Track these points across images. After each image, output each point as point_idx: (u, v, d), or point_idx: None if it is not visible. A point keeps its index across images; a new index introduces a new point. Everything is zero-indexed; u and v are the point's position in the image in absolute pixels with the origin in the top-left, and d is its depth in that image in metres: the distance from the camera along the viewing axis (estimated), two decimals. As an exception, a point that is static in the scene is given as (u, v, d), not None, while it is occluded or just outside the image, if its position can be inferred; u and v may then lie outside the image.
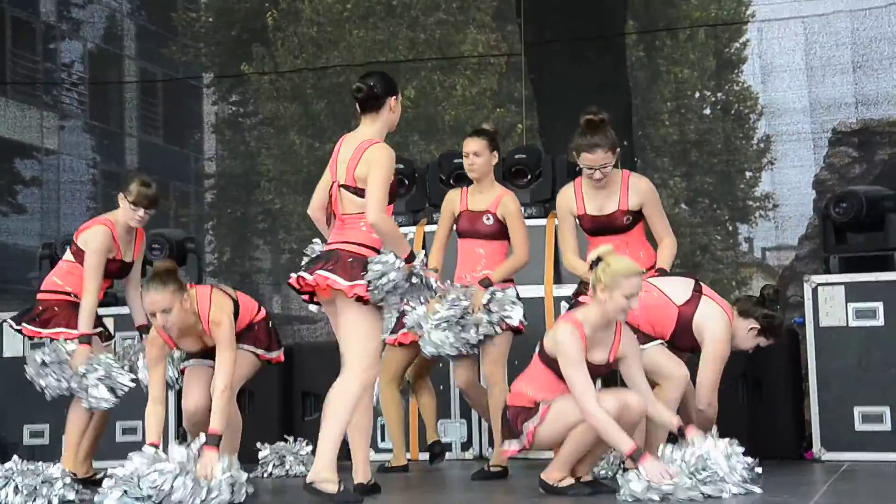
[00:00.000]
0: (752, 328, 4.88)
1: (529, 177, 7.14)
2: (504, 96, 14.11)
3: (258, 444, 6.10)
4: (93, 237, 5.48)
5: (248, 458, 5.94)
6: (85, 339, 5.39)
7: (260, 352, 5.18)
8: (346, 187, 4.46)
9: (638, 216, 5.22)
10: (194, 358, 5.13)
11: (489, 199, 5.55)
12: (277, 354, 5.26)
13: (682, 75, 16.83)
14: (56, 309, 5.49)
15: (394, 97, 4.59)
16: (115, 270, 5.62)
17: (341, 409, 4.33)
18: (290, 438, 6.18)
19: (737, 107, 16.61)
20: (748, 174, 14.48)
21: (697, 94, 17.80)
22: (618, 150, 5.20)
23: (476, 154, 5.50)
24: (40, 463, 4.87)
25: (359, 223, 4.43)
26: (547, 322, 6.47)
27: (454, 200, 5.65)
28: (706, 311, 4.80)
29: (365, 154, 4.42)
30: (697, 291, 4.86)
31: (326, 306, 4.57)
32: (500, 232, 5.54)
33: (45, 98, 14.80)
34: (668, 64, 16.64)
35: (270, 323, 5.29)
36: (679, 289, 4.86)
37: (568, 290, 6.55)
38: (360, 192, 4.42)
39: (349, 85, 14.03)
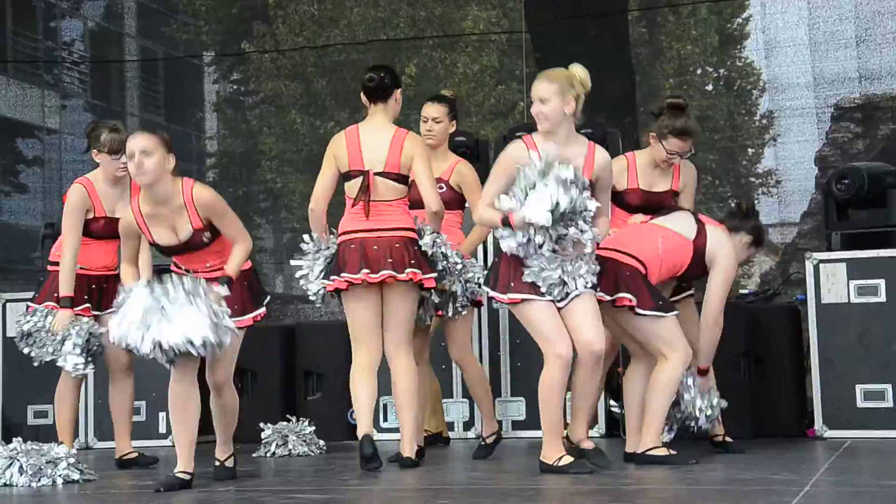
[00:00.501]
0: (744, 241, 5.05)
1: (530, 155, 7.10)
2: (505, 74, 14.05)
3: (261, 424, 6.12)
4: (67, 197, 5.41)
5: (250, 439, 5.98)
6: (66, 303, 5.23)
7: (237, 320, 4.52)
8: (387, 174, 4.80)
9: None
10: (169, 252, 4.56)
11: (443, 167, 5.46)
12: (258, 312, 4.61)
13: (684, 51, 16.77)
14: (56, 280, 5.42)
15: (399, 89, 5.00)
16: (102, 229, 5.41)
17: (414, 391, 4.94)
18: (293, 418, 6.20)
19: (739, 83, 16.55)
20: (750, 151, 14.44)
21: (700, 71, 17.73)
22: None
23: (435, 120, 5.43)
24: (45, 444, 4.89)
25: (400, 209, 4.85)
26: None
27: None
28: (715, 237, 4.91)
29: (406, 143, 4.85)
30: (699, 222, 4.95)
31: (356, 292, 4.80)
32: (455, 201, 5.44)
33: (46, 77, 14.76)
34: (669, 40, 16.57)
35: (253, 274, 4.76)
36: (686, 224, 4.95)
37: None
38: (401, 179, 4.84)
39: (350, 63, 13.98)
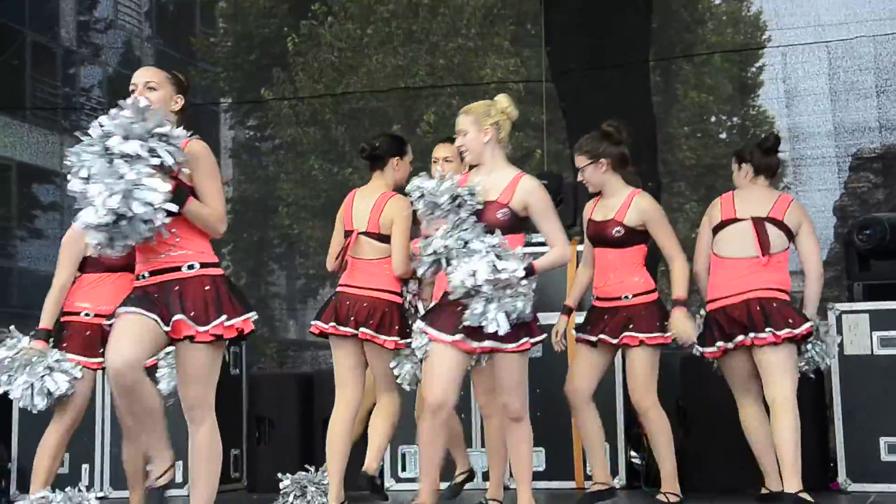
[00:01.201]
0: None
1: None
2: (522, 121, 14.13)
3: (278, 475, 6.05)
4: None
5: (268, 488, 5.91)
6: (40, 335, 4.89)
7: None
8: (369, 234, 4.94)
9: (635, 236, 5.08)
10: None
11: None
12: (236, 322, 3.82)
13: (698, 100, 16.82)
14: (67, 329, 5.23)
15: (397, 157, 5.05)
16: (116, 259, 4.82)
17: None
18: (311, 468, 6.13)
19: (753, 131, 16.60)
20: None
21: (714, 119, 17.80)
22: (601, 160, 5.12)
23: (447, 160, 5.27)
24: (74, 489, 4.84)
25: (379, 268, 4.93)
26: (569, 350, 6.42)
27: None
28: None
29: (388, 204, 4.94)
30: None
31: (341, 341, 4.94)
32: None
33: (63, 123, 14.88)
34: (685, 88, 16.63)
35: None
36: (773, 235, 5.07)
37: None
38: (383, 239, 4.93)
39: (369, 111, 14.01)
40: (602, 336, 5.12)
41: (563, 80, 9.05)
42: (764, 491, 5.28)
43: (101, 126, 3.61)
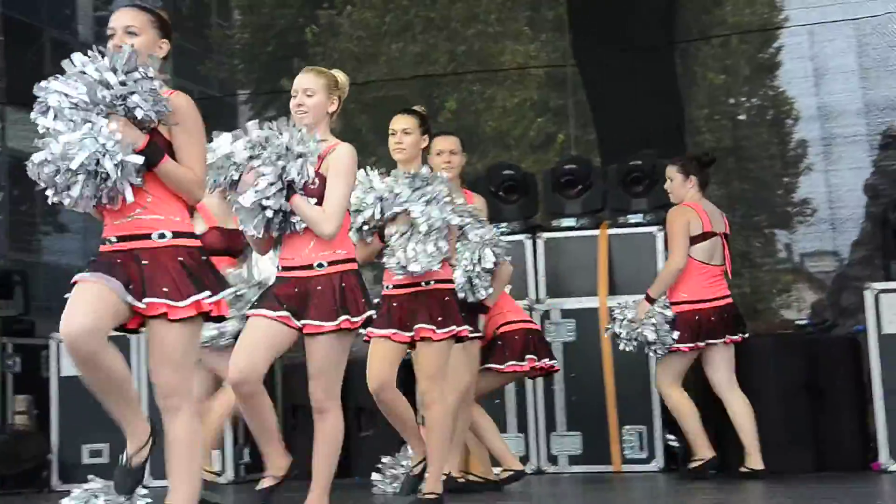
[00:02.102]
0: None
1: (580, 187, 7.05)
2: (542, 106, 14.06)
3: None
4: None
5: (302, 476, 5.89)
6: None
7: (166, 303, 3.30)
8: None
9: None
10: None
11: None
12: (199, 298, 3.32)
13: (717, 82, 16.74)
14: None
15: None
16: (218, 241, 4.89)
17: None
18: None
19: (773, 111, 16.49)
20: (785, 180, 14.34)
21: (732, 101, 17.69)
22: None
23: (406, 132, 4.72)
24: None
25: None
26: (601, 333, 6.41)
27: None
28: None
29: None
30: None
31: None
32: None
33: (83, 117, 14.89)
34: (703, 70, 16.55)
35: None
36: None
37: (621, 300, 6.49)
38: None
39: (390, 99, 14.00)
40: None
41: (586, 64, 9.02)
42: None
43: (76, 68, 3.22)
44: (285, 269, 3.99)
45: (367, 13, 14.24)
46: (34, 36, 13.59)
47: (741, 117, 17.57)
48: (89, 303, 3.20)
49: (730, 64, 16.59)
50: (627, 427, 6.40)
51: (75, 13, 15.62)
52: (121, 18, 3.44)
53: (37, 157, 3.21)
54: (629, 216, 6.89)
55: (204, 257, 3.36)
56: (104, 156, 3.16)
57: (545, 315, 6.60)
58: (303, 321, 3.92)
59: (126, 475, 3.38)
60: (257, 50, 15.67)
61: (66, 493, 4.11)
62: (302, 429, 6.90)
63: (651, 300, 5.77)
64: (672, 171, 5.95)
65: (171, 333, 3.25)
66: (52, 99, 3.21)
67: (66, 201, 3.23)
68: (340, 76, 4.20)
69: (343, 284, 3.93)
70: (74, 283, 3.28)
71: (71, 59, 3.26)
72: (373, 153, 13.91)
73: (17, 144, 10.60)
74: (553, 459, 6.52)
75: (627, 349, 5.82)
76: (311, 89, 4.07)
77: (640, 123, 8.37)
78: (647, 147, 7.19)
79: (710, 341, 5.70)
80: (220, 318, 3.41)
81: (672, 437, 6.32)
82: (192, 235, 3.38)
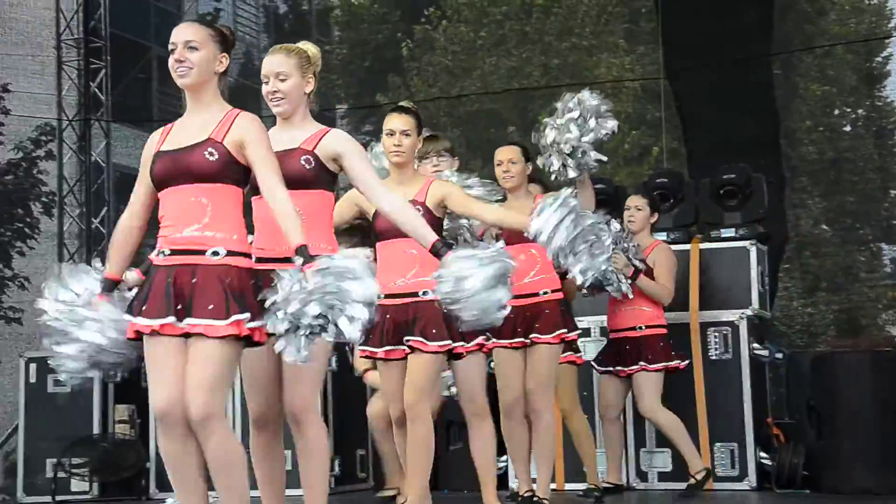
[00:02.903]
0: None
1: (672, 201, 7.00)
2: (638, 119, 13.97)
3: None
4: None
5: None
6: None
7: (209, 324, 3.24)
8: None
9: None
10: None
11: (415, 188, 4.44)
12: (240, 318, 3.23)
13: (820, 93, 16.39)
14: None
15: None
16: None
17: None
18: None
19: (880, 122, 16.08)
20: (893, 192, 13.98)
21: (837, 112, 17.30)
22: None
23: (405, 133, 4.40)
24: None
25: None
26: (693, 348, 6.34)
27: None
28: None
29: None
30: None
31: None
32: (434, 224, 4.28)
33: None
34: (805, 81, 16.23)
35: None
36: None
37: (713, 316, 6.43)
38: None
39: (484, 113, 14.01)
40: None
41: (679, 77, 8.93)
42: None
43: None
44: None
45: (462, 27, 14.36)
46: (140, 53, 13.98)
47: (846, 128, 17.19)
48: (175, 378, 3.19)
49: (833, 75, 16.25)
50: (718, 444, 6.30)
51: (180, 31, 16.05)
52: (181, 33, 3.39)
53: None
54: (722, 230, 6.81)
55: (252, 280, 3.26)
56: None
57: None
58: None
59: None
60: (355, 65, 15.91)
61: (163, 502, 4.17)
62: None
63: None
64: (643, 203, 6.07)
65: (209, 351, 3.17)
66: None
67: None
68: (311, 48, 3.81)
69: None
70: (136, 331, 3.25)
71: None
72: (465, 166, 14.04)
73: (123, 160, 10.95)
74: (642, 476, 6.46)
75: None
76: (283, 72, 3.70)
77: (733, 137, 8.25)
78: (737, 160, 7.10)
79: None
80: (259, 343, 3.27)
81: (765, 454, 6.21)
82: (246, 255, 3.30)
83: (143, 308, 3.24)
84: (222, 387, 3.21)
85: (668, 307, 6.58)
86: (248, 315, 3.18)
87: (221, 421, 3.20)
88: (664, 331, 5.85)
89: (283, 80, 3.70)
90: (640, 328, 5.82)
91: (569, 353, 5.52)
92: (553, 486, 5.36)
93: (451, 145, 5.02)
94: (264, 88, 3.74)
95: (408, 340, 4.27)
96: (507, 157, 5.11)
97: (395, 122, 4.40)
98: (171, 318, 3.18)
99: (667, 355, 5.80)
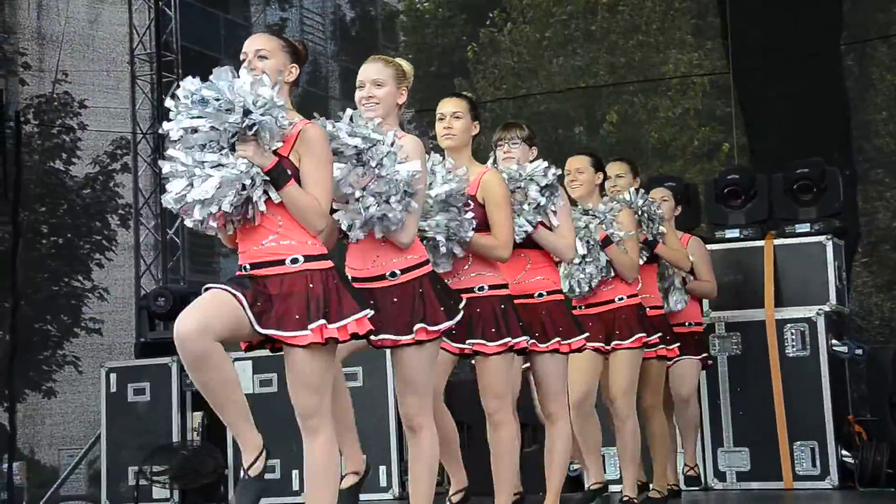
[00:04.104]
0: None
1: (744, 197, 6.91)
2: (707, 115, 13.80)
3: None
4: None
5: (478, 492, 5.90)
6: None
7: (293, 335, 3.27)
8: None
9: None
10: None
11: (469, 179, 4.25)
12: (342, 324, 3.29)
13: (896, 82, 16.02)
14: None
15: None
16: None
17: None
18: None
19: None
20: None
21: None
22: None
23: (456, 116, 4.28)
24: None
25: None
26: (769, 346, 6.25)
27: None
28: None
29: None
30: None
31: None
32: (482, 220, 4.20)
33: (258, 142, 15.46)
34: (881, 71, 15.89)
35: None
36: None
37: (789, 313, 6.34)
38: None
39: (550, 113, 13.92)
40: None
41: (747, 72, 8.82)
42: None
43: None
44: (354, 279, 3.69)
45: (527, 29, 14.33)
46: (211, 64, 14.19)
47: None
48: (206, 307, 3.17)
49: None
50: (798, 443, 6.21)
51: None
52: (253, 43, 3.47)
53: (174, 194, 3.22)
54: (796, 226, 6.71)
55: (335, 280, 3.28)
56: (248, 184, 3.20)
57: (709, 328, 6.47)
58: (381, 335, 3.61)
59: (244, 489, 3.24)
60: (421, 70, 15.96)
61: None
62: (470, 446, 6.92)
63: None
64: (668, 195, 5.90)
65: (299, 357, 3.23)
66: (176, 133, 3.21)
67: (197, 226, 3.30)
68: (406, 65, 3.91)
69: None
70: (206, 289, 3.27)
71: (181, 85, 3.25)
72: (534, 168, 14.03)
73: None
74: (721, 476, 6.39)
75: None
76: (379, 80, 3.77)
77: (802, 131, 8.13)
78: (806, 155, 6.99)
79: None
80: (360, 336, 3.30)
81: (847, 453, 6.10)
82: (324, 258, 3.32)
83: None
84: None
85: (742, 305, 6.52)
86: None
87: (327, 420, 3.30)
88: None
89: (378, 87, 3.78)
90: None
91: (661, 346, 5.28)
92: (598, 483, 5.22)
93: (529, 133, 4.70)
94: (358, 94, 3.80)
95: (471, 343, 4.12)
96: (574, 166, 5.17)
97: (446, 105, 4.32)
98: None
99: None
